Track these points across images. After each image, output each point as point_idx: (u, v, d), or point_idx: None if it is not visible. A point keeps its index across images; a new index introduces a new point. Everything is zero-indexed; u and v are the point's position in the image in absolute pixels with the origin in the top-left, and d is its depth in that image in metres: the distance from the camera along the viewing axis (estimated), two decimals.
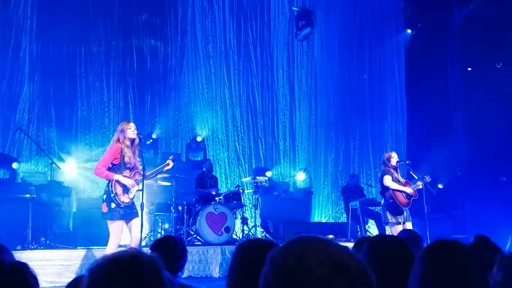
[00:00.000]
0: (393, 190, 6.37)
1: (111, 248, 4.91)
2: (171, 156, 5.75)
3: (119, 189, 5.03)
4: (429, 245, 1.57)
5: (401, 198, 6.36)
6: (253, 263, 1.74)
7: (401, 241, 2.41)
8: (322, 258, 0.93)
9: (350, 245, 2.22)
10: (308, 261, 0.94)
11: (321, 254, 0.94)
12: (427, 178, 6.59)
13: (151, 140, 9.05)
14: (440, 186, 10.15)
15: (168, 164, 5.40)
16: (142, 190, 5.10)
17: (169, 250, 2.78)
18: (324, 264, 0.92)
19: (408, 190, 6.38)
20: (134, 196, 5.13)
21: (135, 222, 5.04)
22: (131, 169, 5.15)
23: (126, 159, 5.07)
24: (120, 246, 5.15)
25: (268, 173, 9.96)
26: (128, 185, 5.04)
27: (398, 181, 6.45)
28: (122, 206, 5.01)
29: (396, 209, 6.35)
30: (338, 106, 11.36)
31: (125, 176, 5.09)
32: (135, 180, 5.13)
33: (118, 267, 1.19)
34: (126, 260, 1.20)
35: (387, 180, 6.39)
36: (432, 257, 1.49)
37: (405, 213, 6.36)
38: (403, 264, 2.15)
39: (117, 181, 5.03)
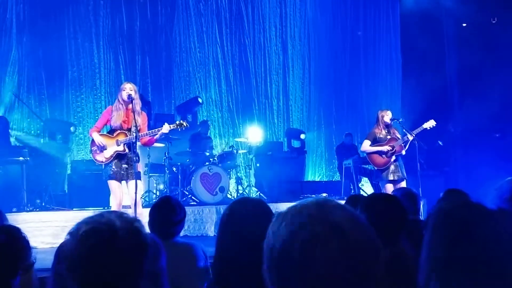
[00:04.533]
0: (368, 154, 6.44)
1: (112, 208, 5.19)
2: (177, 124, 5.38)
3: (94, 148, 5.20)
4: (449, 209, 1.47)
5: (378, 160, 6.36)
6: (242, 221, 1.76)
7: (393, 199, 2.42)
8: (320, 217, 0.93)
9: (343, 202, 2.24)
10: (305, 218, 0.94)
11: (319, 214, 0.94)
12: (430, 123, 6.53)
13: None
14: (440, 143, 10.16)
15: (160, 130, 5.30)
16: (133, 151, 5.06)
17: (170, 216, 2.78)
18: (322, 222, 0.92)
19: (385, 148, 6.32)
20: (114, 157, 5.11)
21: (131, 183, 5.06)
22: (120, 130, 5.17)
23: (112, 120, 5.16)
24: (124, 207, 5.24)
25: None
26: (96, 143, 5.12)
27: (384, 140, 6.41)
28: (103, 165, 5.15)
29: (377, 170, 6.42)
30: (332, 64, 11.25)
31: (104, 135, 5.20)
32: (117, 141, 5.12)
33: (92, 235, 1.18)
34: (100, 228, 1.20)
35: (363, 145, 6.50)
36: (456, 222, 1.36)
37: (393, 170, 6.32)
38: (396, 221, 2.17)
39: (93, 139, 5.19)
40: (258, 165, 9.02)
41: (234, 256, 1.72)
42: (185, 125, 5.38)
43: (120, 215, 1.26)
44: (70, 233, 1.21)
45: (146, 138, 5.25)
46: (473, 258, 1.25)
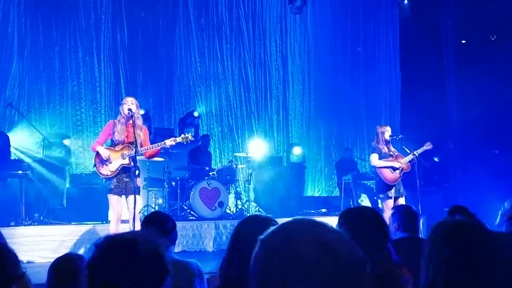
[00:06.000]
0: (379, 168, 6.37)
1: (111, 223, 5.19)
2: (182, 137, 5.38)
3: (97, 160, 5.21)
4: (448, 228, 1.46)
5: (389, 175, 6.32)
6: (251, 239, 1.75)
7: (371, 210, 2.41)
8: (309, 239, 0.93)
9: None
10: (295, 241, 0.94)
11: (309, 235, 0.94)
12: (427, 145, 6.57)
13: (142, 112, 8.95)
14: (436, 159, 10.18)
15: (164, 143, 5.31)
16: (134, 165, 5.07)
17: (160, 226, 2.79)
18: (311, 244, 0.92)
19: (397, 164, 6.33)
20: (119, 171, 5.11)
21: (130, 198, 5.05)
22: (124, 143, 5.18)
23: (115, 134, 5.18)
24: (122, 221, 5.24)
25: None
26: (103, 156, 5.11)
27: (389, 156, 6.43)
28: (105, 179, 5.15)
29: (384, 186, 6.36)
30: (332, 80, 11.29)
31: (109, 148, 5.20)
32: (122, 154, 5.13)
33: (120, 254, 1.19)
34: (129, 247, 1.20)
35: (373, 160, 6.41)
36: (454, 241, 1.38)
37: (396, 187, 6.34)
38: (376, 232, 2.14)
39: (97, 152, 5.19)
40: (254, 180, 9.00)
41: (241, 277, 1.71)
42: (190, 138, 5.42)
43: (149, 235, 1.27)
44: (95, 245, 1.23)
45: (150, 152, 5.26)
46: (471, 280, 1.24)
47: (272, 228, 1.02)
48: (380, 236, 2.06)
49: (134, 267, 1.17)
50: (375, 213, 2.26)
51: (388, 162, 6.35)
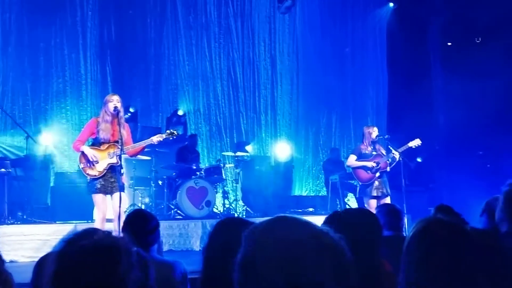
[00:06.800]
0: (353, 168, 6.53)
1: (96, 222, 5.08)
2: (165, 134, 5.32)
3: (83, 161, 5.08)
4: (427, 225, 1.44)
5: (363, 175, 6.47)
6: (229, 240, 1.74)
7: (367, 213, 2.42)
8: (308, 242, 0.93)
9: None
10: (283, 235, 0.94)
11: (305, 237, 0.94)
12: (416, 142, 6.63)
13: (129, 114, 8.91)
14: (419, 159, 10.28)
15: (151, 140, 5.24)
16: (119, 164, 5.02)
17: (141, 225, 2.75)
18: (312, 247, 0.93)
19: (369, 163, 6.41)
20: (107, 170, 5.04)
21: (115, 196, 5.00)
22: (109, 142, 5.11)
23: (101, 133, 5.07)
24: (107, 220, 5.17)
25: (249, 148, 9.94)
26: (89, 157, 5.00)
27: (371, 155, 6.51)
28: (90, 179, 5.05)
29: (362, 185, 6.47)
30: (320, 80, 11.32)
31: (94, 148, 5.09)
32: (109, 153, 5.06)
33: (88, 253, 1.16)
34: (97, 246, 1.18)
35: (348, 160, 6.60)
36: (432, 239, 1.35)
37: (378, 187, 6.40)
38: (370, 236, 2.15)
39: (82, 152, 5.07)
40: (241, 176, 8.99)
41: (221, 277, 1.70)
42: (175, 134, 5.38)
43: (108, 233, 1.24)
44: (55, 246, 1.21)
45: (135, 149, 5.21)
46: (447, 276, 1.25)
47: (256, 225, 1.01)
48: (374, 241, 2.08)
49: (94, 271, 1.14)
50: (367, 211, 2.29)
51: (361, 162, 6.45)
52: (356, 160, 6.51)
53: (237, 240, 1.71)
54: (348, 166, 6.62)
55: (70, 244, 1.19)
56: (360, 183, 6.57)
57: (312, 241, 0.94)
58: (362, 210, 2.49)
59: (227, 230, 1.80)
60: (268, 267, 0.91)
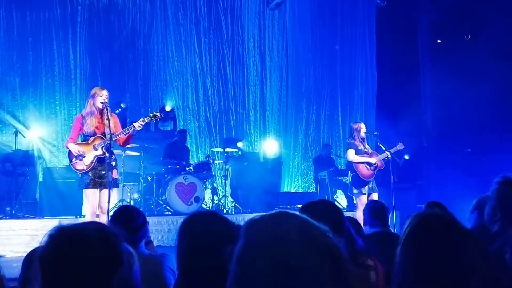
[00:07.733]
0: (355, 163, 6.47)
1: (86, 218, 5.12)
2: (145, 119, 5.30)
3: (72, 157, 5.10)
4: (420, 220, 1.43)
5: (364, 171, 6.46)
6: (198, 235, 1.78)
7: (327, 202, 2.48)
8: (305, 243, 0.94)
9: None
10: (278, 228, 0.96)
11: (306, 237, 0.96)
12: (399, 146, 6.69)
13: (119, 109, 8.88)
14: (406, 157, 10.38)
15: (133, 126, 5.15)
16: (110, 156, 5.00)
17: (129, 221, 2.73)
18: (310, 250, 0.93)
19: (373, 160, 6.48)
20: (95, 163, 5.03)
21: (104, 192, 4.99)
22: (95, 135, 5.10)
23: (85, 126, 5.08)
24: (97, 216, 5.14)
25: (240, 144, 9.95)
26: (73, 152, 5.03)
27: (364, 153, 6.55)
28: (80, 174, 5.06)
29: (359, 181, 6.48)
30: (309, 76, 11.35)
31: (80, 143, 5.12)
32: (94, 145, 5.06)
33: (76, 243, 1.18)
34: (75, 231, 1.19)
35: (350, 155, 6.51)
36: (425, 234, 1.36)
37: (370, 184, 6.48)
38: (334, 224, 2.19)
39: (69, 150, 5.11)
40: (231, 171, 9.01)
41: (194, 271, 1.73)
42: (159, 115, 5.37)
43: (101, 226, 1.26)
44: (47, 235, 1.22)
45: (123, 137, 5.19)
46: (441, 272, 1.26)
47: (256, 219, 1.02)
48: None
49: (82, 258, 1.16)
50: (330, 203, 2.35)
51: (365, 158, 6.48)
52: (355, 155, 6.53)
53: (207, 232, 1.75)
54: (350, 161, 6.54)
55: (61, 229, 1.21)
56: (361, 178, 6.49)
57: (312, 242, 0.94)
58: (323, 200, 2.56)
59: (196, 223, 1.83)
60: (267, 264, 0.92)
